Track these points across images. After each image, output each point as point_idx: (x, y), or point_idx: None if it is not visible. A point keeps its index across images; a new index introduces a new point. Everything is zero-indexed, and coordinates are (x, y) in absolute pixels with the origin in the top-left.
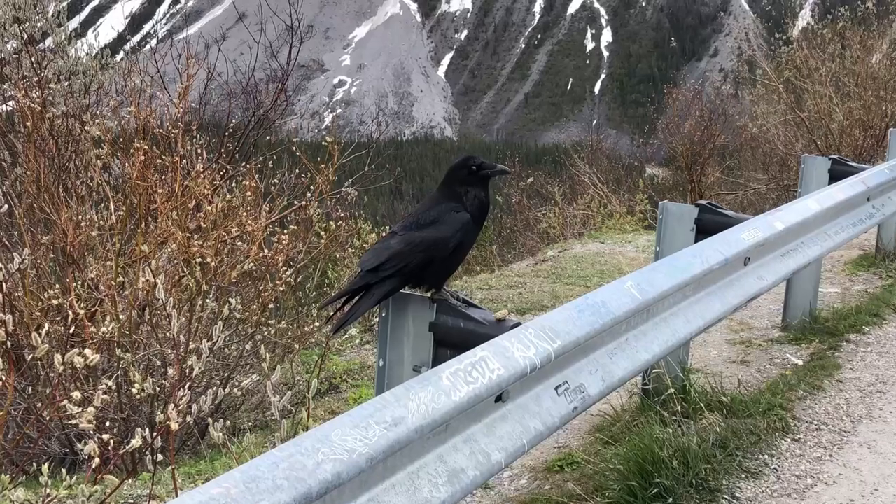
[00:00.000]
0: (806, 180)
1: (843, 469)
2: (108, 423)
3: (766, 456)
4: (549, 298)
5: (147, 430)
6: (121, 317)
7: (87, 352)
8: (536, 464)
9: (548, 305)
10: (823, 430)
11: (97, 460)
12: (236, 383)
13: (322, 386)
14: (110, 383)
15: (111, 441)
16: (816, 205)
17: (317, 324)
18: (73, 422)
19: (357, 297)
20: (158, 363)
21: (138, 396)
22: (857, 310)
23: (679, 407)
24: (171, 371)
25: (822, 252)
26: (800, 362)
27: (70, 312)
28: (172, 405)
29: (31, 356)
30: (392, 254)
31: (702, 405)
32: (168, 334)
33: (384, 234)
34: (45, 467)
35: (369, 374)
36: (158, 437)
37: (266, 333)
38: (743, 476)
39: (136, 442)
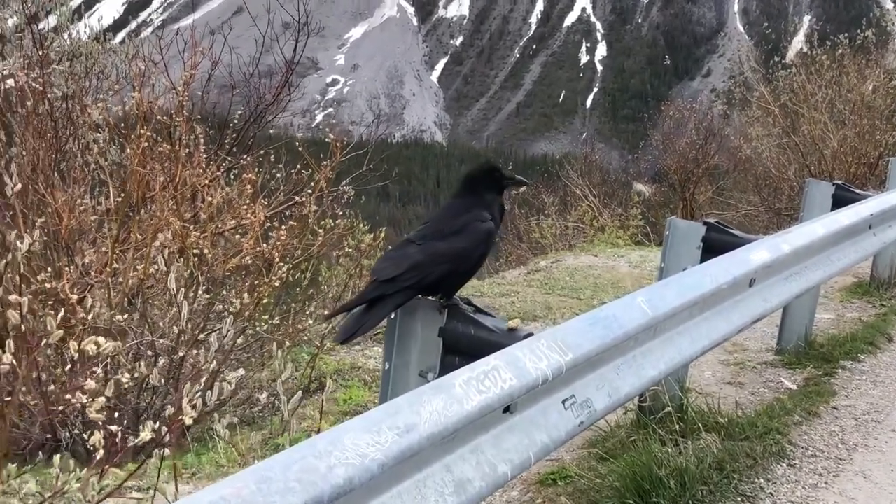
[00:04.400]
0: (809, 204)
1: (839, 497)
2: (116, 415)
3: (762, 480)
4: (542, 309)
5: (156, 423)
6: (113, 303)
7: (100, 339)
8: (529, 476)
9: (540, 315)
10: (819, 457)
11: (101, 452)
12: (224, 378)
13: (312, 385)
14: (98, 370)
15: (119, 433)
16: (822, 229)
17: (310, 322)
18: (60, 408)
19: (367, 306)
20: (149, 353)
21: (126, 385)
22: (853, 337)
23: (676, 426)
24: (161, 361)
25: (824, 277)
26: (794, 387)
27: (62, 296)
28: (186, 398)
29: (43, 341)
30: (412, 264)
31: (699, 425)
32: (160, 324)
33: (379, 234)
34: (56, 458)
35: (360, 375)
36: (168, 432)
37: (257, 328)
38: (739, 500)
39: (145, 435)
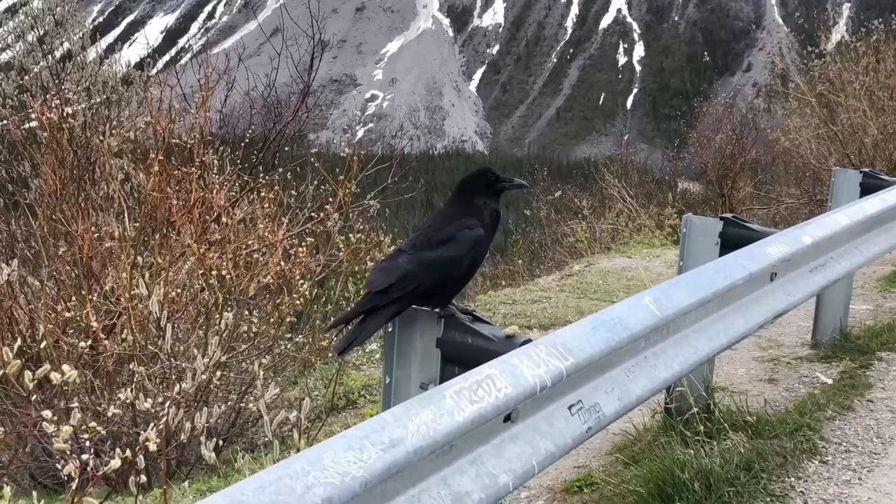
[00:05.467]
0: (836, 194)
1: (873, 493)
2: (87, 442)
3: (792, 478)
4: (574, 313)
5: (127, 449)
6: (135, 330)
7: (65, 367)
8: (555, 484)
9: (572, 321)
10: (853, 452)
11: (76, 481)
12: (251, 399)
13: (339, 402)
14: (123, 397)
15: (90, 461)
16: (846, 219)
17: (335, 339)
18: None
19: (363, 317)
20: (173, 377)
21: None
22: (890, 327)
23: (702, 427)
24: (184, 385)
25: (851, 267)
26: (829, 381)
27: (85, 325)
28: (152, 425)
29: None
30: (402, 274)
31: (726, 425)
32: (181, 347)
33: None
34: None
35: None
36: (141, 458)
37: (284, 348)
38: (768, 500)
39: (114, 463)
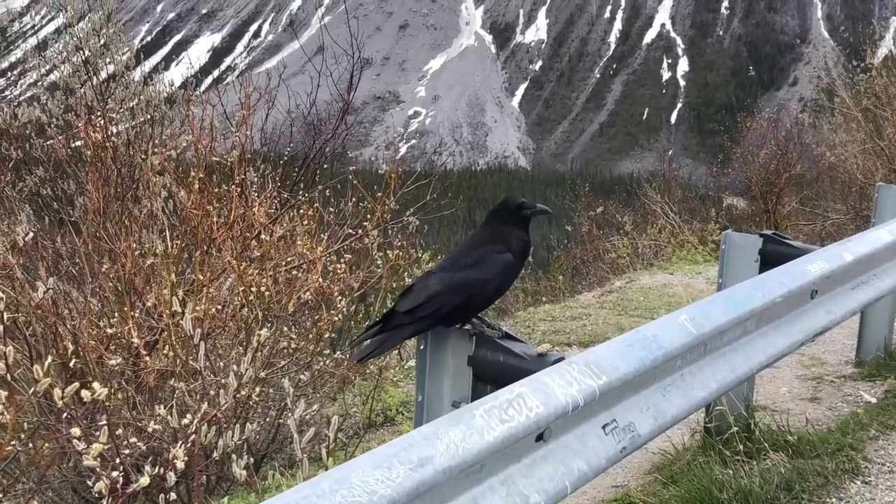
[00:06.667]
0: (881, 210)
1: None
2: (126, 458)
3: (833, 499)
4: (614, 331)
5: (157, 467)
6: (177, 347)
7: (96, 385)
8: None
9: (611, 338)
10: None
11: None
12: (290, 416)
13: (377, 418)
14: (163, 413)
15: (121, 478)
16: (889, 235)
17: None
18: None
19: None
20: (211, 393)
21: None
22: None
23: (742, 446)
24: (220, 401)
25: (895, 285)
26: (873, 400)
27: (127, 342)
28: (181, 442)
29: (33, 389)
30: (430, 295)
31: (766, 445)
32: (222, 364)
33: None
34: None
35: None
36: (171, 475)
37: (322, 364)
38: None
39: (143, 481)
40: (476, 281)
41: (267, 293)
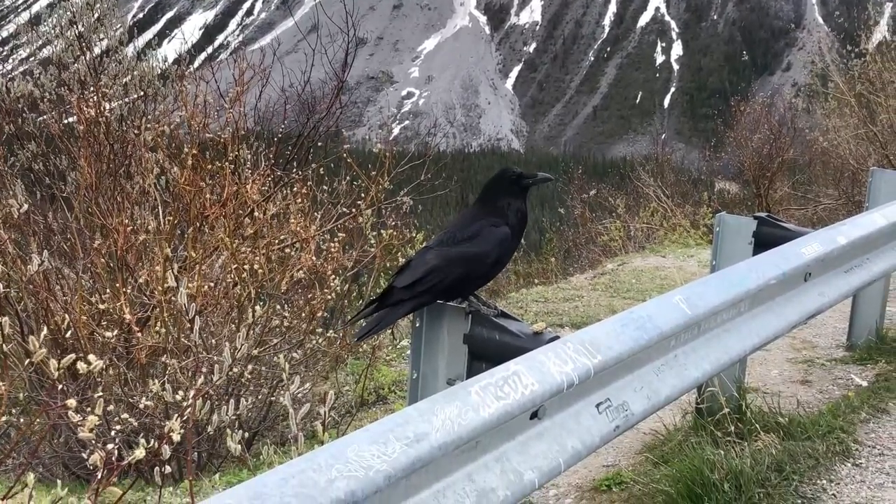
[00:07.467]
0: (874, 194)
1: None
2: (117, 432)
3: (824, 481)
4: (606, 312)
5: (153, 440)
6: (169, 323)
7: (91, 357)
8: (584, 483)
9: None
10: (887, 456)
11: (102, 470)
12: (282, 393)
13: (369, 397)
14: (156, 388)
15: (116, 451)
16: (883, 219)
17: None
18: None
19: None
20: (203, 370)
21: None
22: None
23: (733, 427)
24: (212, 378)
25: (887, 269)
26: (864, 383)
27: (119, 318)
28: (176, 416)
29: (28, 360)
30: (428, 269)
31: (757, 426)
32: (213, 341)
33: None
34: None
35: None
36: (166, 448)
37: (314, 342)
38: (799, 502)
39: (139, 453)
40: (474, 255)
41: (260, 271)
